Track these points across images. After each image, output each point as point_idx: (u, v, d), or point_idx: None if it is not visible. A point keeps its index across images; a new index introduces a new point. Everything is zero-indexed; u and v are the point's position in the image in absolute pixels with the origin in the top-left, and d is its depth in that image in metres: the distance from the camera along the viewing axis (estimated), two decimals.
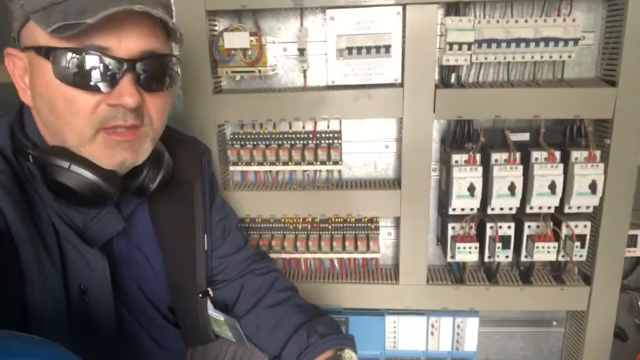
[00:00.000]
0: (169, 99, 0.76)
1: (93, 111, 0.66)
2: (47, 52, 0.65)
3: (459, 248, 1.23)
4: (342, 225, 1.33)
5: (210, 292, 0.94)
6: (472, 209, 1.22)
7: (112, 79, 0.66)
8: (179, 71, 0.77)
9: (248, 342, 0.96)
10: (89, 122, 0.67)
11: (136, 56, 0.67)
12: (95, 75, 0.65)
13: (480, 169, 1.19)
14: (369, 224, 1.33)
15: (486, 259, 1.26)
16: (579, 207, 1.20)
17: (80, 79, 0.65)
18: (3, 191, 0.67)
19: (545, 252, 1.21)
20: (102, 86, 0.66)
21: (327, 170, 1.30)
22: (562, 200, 1.20)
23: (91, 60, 0.64)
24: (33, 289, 0.68)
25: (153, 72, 0.70)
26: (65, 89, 0.65)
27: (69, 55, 0.64)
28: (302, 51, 1.22)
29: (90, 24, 0.60)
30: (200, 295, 0.92)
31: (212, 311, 0.95)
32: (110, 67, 0.65)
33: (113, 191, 0.71)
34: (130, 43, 0.66)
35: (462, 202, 1.21)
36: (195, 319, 0.93)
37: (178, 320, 0.93)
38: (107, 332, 0.76)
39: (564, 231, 1.21)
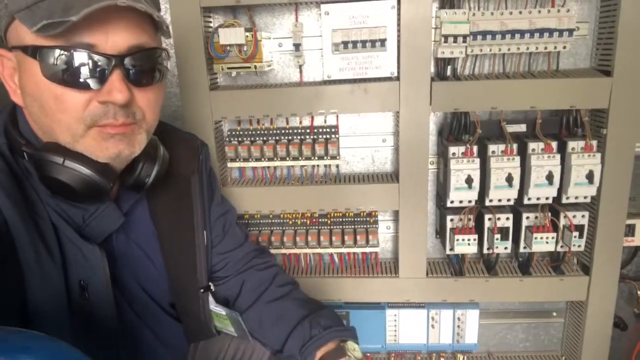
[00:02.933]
0: (159, 92, 0.75)
1: (84, 109, 0.66)
2: (33, 51, 0.64)
3: (457, 240, 1.24)
4: (341, 219, 1.34)
5: (212, 287, 0.94)
6: (470, 201, 1.23)
7: (100, 76, 0.65)
8: (169, 65, 0.77)
9: (250, 336, 0.96)
10: (80, 119, 0.66)
11: (124, 51, 0.66)
12: (84, 73, 0.64)
13: (477, 160, 1.19)
14: (368, 218, 1.33)
15: (485, 251, 1.27)
16: (576, 197, 1.21)
17: (68, 77, 0.64)
18: (1, 189, 0.66)
19: (543, 243, 1.22)
20: (91, 83, 0.65)
21: (325, 165, 1.30)
22: (560, 191, 1.20)
23: (79, 58, 0.64)
24: (33, 286, 0.68)
25: (142, 67, 0.69)
26: (54, 87, 0.65)
27: (56, 53, 0.63)
28: (297, 46, 1.22)
29: (75, 22, 0.60)
30: (202, 290, 0.92)
31: (213, 306, 0.95)
32: (98, 63, 0.65)
33: (108, 185, 0.71)
34: (117, 38, 0.65)
35: (460, 195, 1.21)
36: (197, 314, 0.93)
37: (179, 315, 0.93)
38: (108, 327, 0.76)
39: (562, 221, 1.22)
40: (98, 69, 0.65)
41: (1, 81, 0.72)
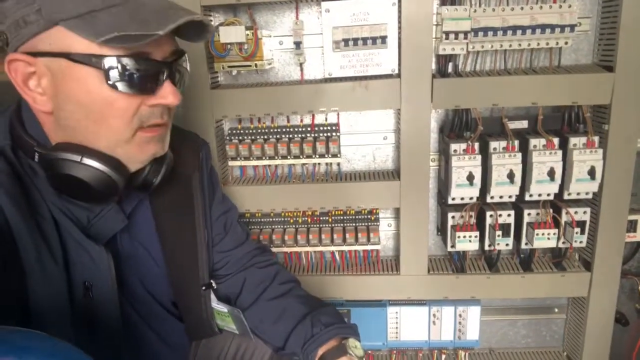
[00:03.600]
0: None
1: (135, 113, 0.69)
2: (89, 59, 0.65)
3: (459, 237, 1.24)
4: (342, 217, 1.34)
5: (214, 285, 0.94)
6: (471, 198, 1.23)
7: (156, 82, 0.69)
8: (188, 67, 0.80)
9: (252, 334, 0.96)
10: (130, 123, 0.69)
11: (170, 57, 0.71)
12: (142, 80, 0.68)
13: (479, 157, 1.19)
14: (369, 216, 1.33)
15: (486, 248, 1.26)
16: (578, 194, 1.21)
17: (127, 84, 0.67)
18: (2, 190, 0.67)
19: (545, 239, 1.22)
20: (147, 89, 0.69)
21: (326, 163, 1.30)
22: (562, 187, 1.20)
23: (137, 66, 0.67)
24: (35, 286, 0.68)
25: (181, 70, 0.75)
26: (111, 93, 0.67)
27: (118, 63, 0.65)
28: (298, 44, 1.21)
29: (161, 35, 0.63)
30: (204, 288, 0.92)
31: (215, 304, 0.95)
32: (154, 70, 0.69)
33: (123, 184, 0.73)
34: (165, 46, 0.70)
35: (462, 191, 1.21)
36: (199, 312, 0.93)
37: (181, 313, 0.93)
38: (111, 327, 0.77)
39: (564, 218, 1.22)
40: (154, 76, 0.69)
41: (0, 83, 0.72)
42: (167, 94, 0.70)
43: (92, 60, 0.65)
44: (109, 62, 0.65)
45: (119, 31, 0.62)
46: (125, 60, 0.66)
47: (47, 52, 0.66)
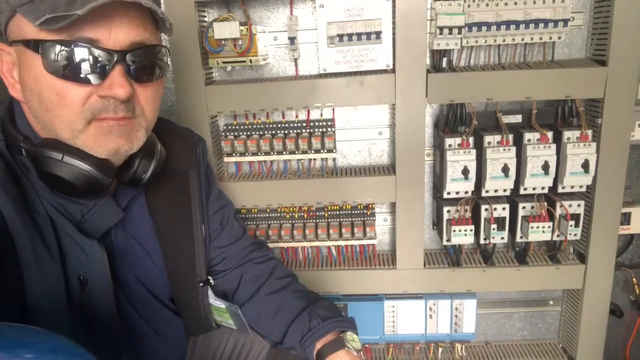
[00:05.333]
0: (159, 89, 0.76)
1: (84, 103, 0.67)
2: (35, 45, 0.64)
3: (454, 231, 1.24)
4: (338, 212, 1.34)
5: (211, 281, 0.95)
6: (466, 192, 1.23)
7: (102, 71, 0.66)
8: (169, 62, 0.77)
9: (249, 329, 0.97)
10: (79, 113, 0.67)
11: (126, 47, 0.67)
12: (85, 67, 0.65)
13: (473, 152, 1.20)
14: (365, 211, 1.34)
15: (482, 241, 1.27)
16: (572, 187, 1.21)
17: (70, 72, 0.65)
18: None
19: (540, 232, 1.22)
20: (93, 78, 0.66)
21: (322, 159, 1.30)
22: (556, 180, 1.21)
23: (81, 53, 0.64)
24: (32, 282, 0.68)
25: (143, 63, 0.70)
26: (55, 81, 0.65)
27: (58, 47, 0.64)
28: (292, 40, 1.21)
29: (80, 15, 0.60)
30: (201, 284, 0.92)
31: (213, 299, 0.95)
32: (100, 58, 0.65)
33: (108, 181, 0.71)
34: (119, 34, 0.66)
35: (457, 186, 1.22)
36: (196, 308, 0.93)
37: (179, 309, 0.93)
38: (107, 322, 0.77)
39: (558, 211, 1.23)
40: (100, 64, 0.65)
41: None
42: (113, 85, 0.66)
43: (33, 45, 0.64)
44: (48, 47, 0.64)
45: (51, 13, 0.61)
46: (65, 46, 0.63)
47: (14, 40, 0.67)
